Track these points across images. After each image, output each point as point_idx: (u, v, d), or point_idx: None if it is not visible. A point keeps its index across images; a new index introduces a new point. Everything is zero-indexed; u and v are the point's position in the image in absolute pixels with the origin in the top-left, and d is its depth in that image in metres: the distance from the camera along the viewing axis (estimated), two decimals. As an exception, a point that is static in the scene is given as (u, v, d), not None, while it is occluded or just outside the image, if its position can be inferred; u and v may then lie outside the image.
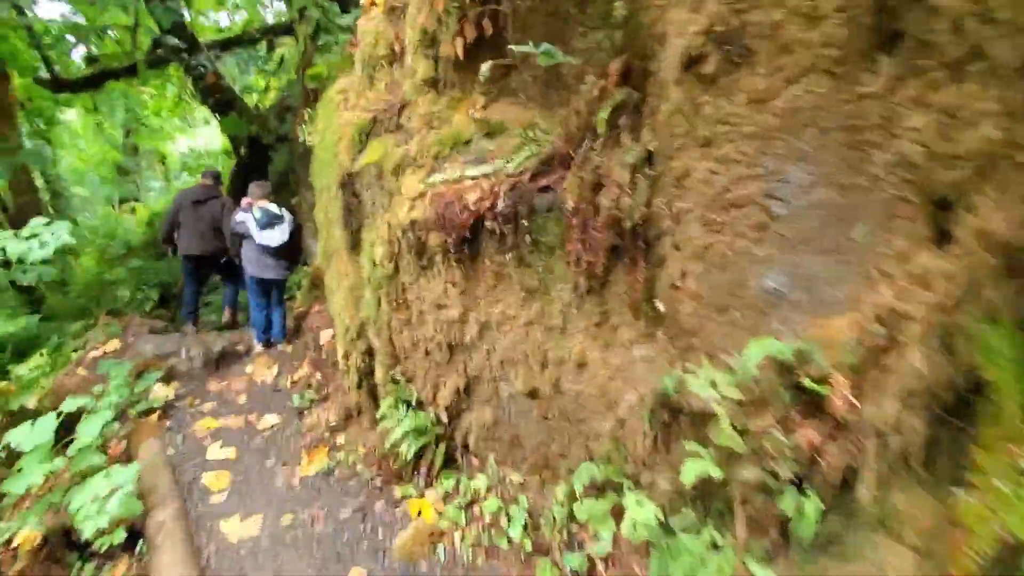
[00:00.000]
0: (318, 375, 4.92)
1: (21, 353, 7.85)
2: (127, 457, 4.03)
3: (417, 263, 3.07)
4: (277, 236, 5.48)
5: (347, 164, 3.51)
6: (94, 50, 13.36)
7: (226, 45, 10.75)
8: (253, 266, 5.65)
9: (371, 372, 3.63)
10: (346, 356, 3.90)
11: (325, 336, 5.38)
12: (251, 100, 10.92)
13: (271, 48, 10.72)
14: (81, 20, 13.35)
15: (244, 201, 5.76)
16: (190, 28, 9.64)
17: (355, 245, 3.69)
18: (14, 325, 4.08)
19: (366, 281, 3.46)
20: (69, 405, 3.45)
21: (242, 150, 9.59)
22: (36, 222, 4.11)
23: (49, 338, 7.73)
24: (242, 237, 5.60)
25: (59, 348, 6.34)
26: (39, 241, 3.95)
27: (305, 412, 4.44)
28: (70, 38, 13.81)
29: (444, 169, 3.01)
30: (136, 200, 19.99)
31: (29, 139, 18.43)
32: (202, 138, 20.29)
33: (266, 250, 5.52)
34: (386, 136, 3.28)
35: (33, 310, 11.56)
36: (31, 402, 4.73)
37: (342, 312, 3.98)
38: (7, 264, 3.86)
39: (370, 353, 3.62)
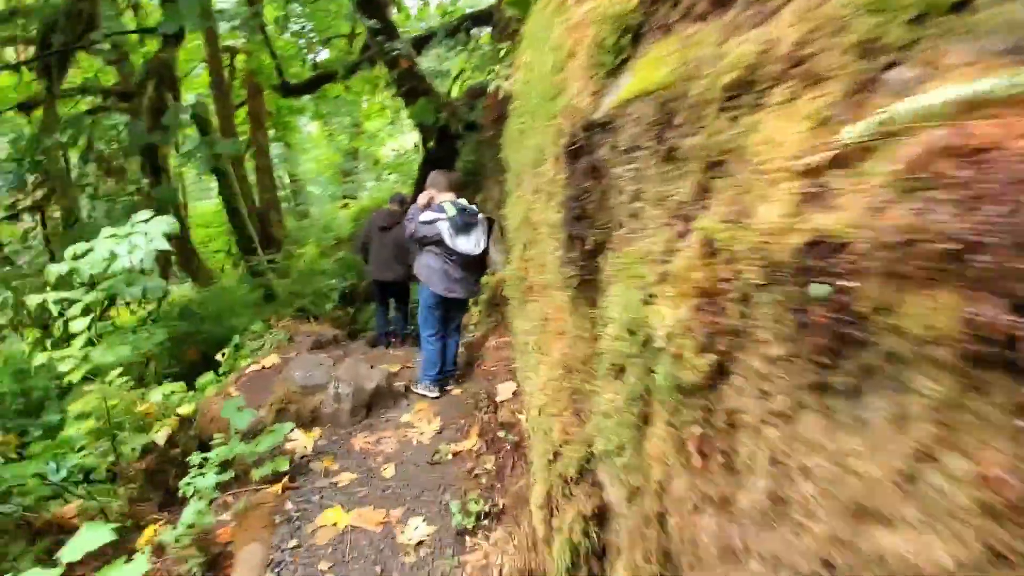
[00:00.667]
0: (490, 461, 3.12)
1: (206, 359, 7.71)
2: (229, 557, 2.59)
3: (816, 366, 0.82)
4: (474, 242, 3.99)
5: (582, 105, 1.56)
6: (321, 57, 13.96)
7: (426, 39, 10.04)
8: (438, 283, 4.04)
9: (596, 554, 1.57)
10: (545, 504, 1.80)
11: (504, 392, 3.66)
12: (446, 88, 10.08)
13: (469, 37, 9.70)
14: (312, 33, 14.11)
15: (422, 198, 4.19)
16: (391, 21, 9.05)
17: (588, 283, 1.60)
18: (114, 354, 3.12)
19: (611, 369, 1.43)
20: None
21: (430, 143, 8.61)
22: (137, 217, 3.19)
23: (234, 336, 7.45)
24: (424, 244, 4.05)
25: (235, 352, 5.73)
26: (129, 244, 2.96)
27: (468, 536, 2.65)
28: (303, 48, 14.70)
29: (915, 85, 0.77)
30: (353, 197, 21.88)
31: (275, 143, 20.95)
32: (408, 140, 21.01)
33: (458, 261, 4.01)
34: (684, 30, 1.29)
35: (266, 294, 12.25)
36: (161, 435, 3.93)
37: (543, 409, 1.87)
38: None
39: (600, 520, 1.55)
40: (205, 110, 14.02)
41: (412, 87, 7.18)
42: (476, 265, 4.23)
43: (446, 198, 4.09)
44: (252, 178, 16.27)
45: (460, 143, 7.27)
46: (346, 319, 7.07)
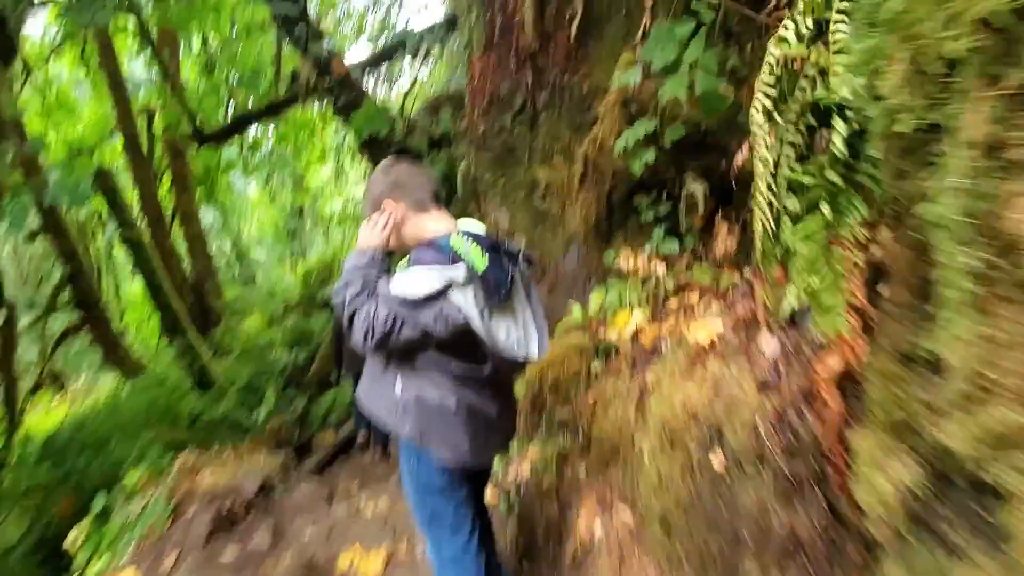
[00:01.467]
0: None
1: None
2: None
3: None
4: (527, 326, 1.74)
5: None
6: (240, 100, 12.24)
7: (381, 58, 8.47)
8: (459, 439, 1.67)
9: None
10: None
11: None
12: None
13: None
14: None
15: (370, 227, 1.71)
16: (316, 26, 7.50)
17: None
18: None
19: None
20: None
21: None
22: None
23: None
24: (406, 350, 1.62)
25: (97, 529, 3.50)
26: None
27: None
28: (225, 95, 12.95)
29: None
30: (302, 256, 20.00)
31: (208, 207, 18.89)
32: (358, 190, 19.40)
33: (496, 378, 1.73)
34: None
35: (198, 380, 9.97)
36: None
37: None
38: None
39: None
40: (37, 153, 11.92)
41: (350, 100, 5.52)
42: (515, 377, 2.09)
43: (443, 225, 1.74)
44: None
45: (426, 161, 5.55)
46: (291, 426, 5.10)
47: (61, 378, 13.88)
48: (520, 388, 3.17)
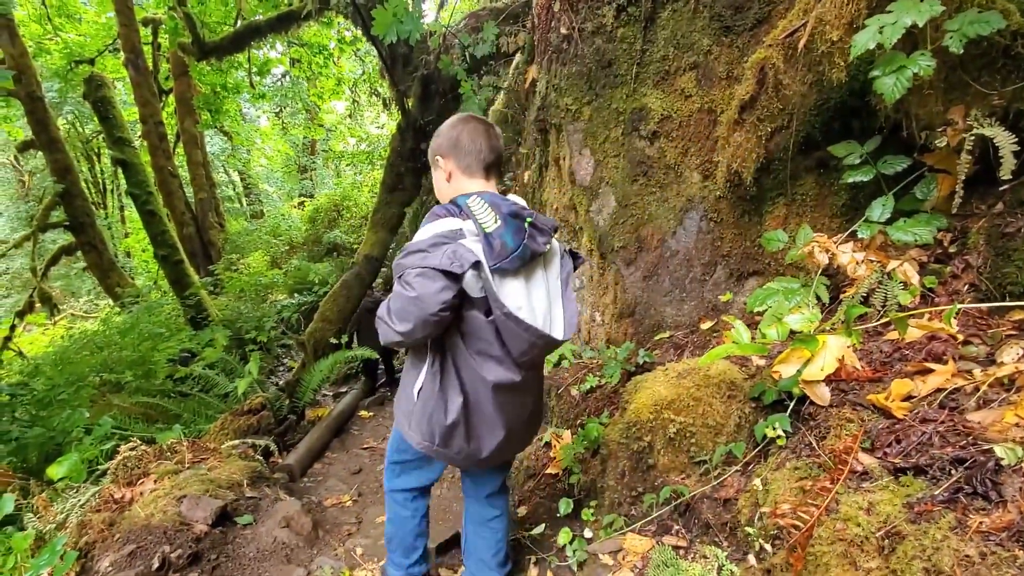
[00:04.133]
0: None
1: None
2: None
3: None
4: (550, 301, 1.39)
5: None
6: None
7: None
8: (458, 434, 1.41)
9: None
10: None
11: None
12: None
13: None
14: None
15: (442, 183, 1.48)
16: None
17: None
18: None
19: None
20: None
21: (409, 102, 5.43)
22: None
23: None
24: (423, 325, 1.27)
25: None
26: None
27: None
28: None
29: None
30: (310, 196, 18.60)
31: (212, 131, 17.33)
32: (374, 127, 17.78)
33: (521, 358, 1.34)
34: None
35: (193, 317, 8.83)
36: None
37: None
38: None
39: None
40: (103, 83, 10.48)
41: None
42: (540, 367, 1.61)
43: (477, 188, 1.42)
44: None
45: (462, 97, 4.16)
46: (273, 406, 3.90)
47: (53, 300, 12.75)
48: (616, 427, 1.94)
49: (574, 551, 1.91)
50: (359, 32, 10.58)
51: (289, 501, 2.80)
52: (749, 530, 1.42)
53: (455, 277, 1.25)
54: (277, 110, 19.25)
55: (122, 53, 10.91)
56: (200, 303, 9.39)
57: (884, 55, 1.50)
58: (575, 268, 1.54)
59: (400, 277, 1.29)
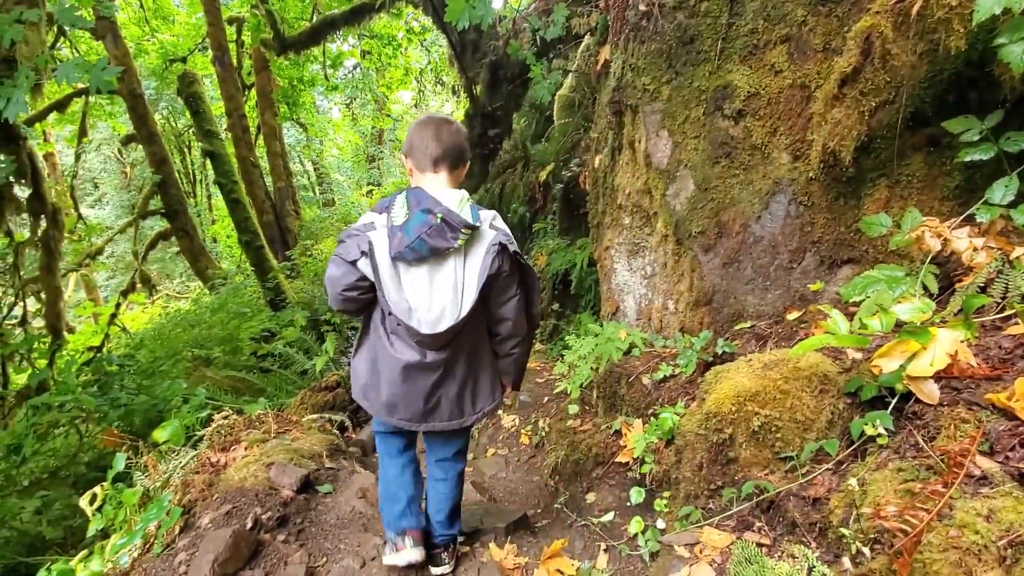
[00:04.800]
0: None
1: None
2: None
3: None
4: (441, 296, 1.50)
5: None
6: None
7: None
8: (374, 392, 1.67)
9: None
10: None
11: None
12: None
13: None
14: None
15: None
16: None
17: None
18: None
19: None
20: None
21: (477, 88, 5.42)
22: None
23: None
24: (355, 300, 1.55)
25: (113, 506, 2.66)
26: None
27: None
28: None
29: None
30: (377, 184, 19.18)
31: (290, 124, 18.17)
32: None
33: (420, 338, 1.52)
34: None
35: (272, 299, 9.41)
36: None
37: None
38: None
39: None
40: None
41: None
42: (468, 354, 1.66)
43: (427, 184, 1.57)
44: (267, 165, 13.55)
45: (531, 81, 4.11)
46: (348, 383, 4.13)
47: (151, 281, 13.88)
48: (694, 418, 1.87)
49: (646, 541, 1.87)
50: (426, 21, 10.71)
51: (364, 473, 2.92)
52: (844, 531, 1.32)
53: (352, 264, 1.49)
54: (348, 101, 19.91)
55: (210, 51, 11.63)
56: (279, 286, 9.91)
57: (1011, 20, 1.33)
58: (521, 276, 1.61)
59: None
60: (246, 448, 2.87)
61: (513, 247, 1.54)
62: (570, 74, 6.20)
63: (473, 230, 1.48)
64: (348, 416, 4.05)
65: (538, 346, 5.85)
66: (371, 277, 1.49)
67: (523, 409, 3.83)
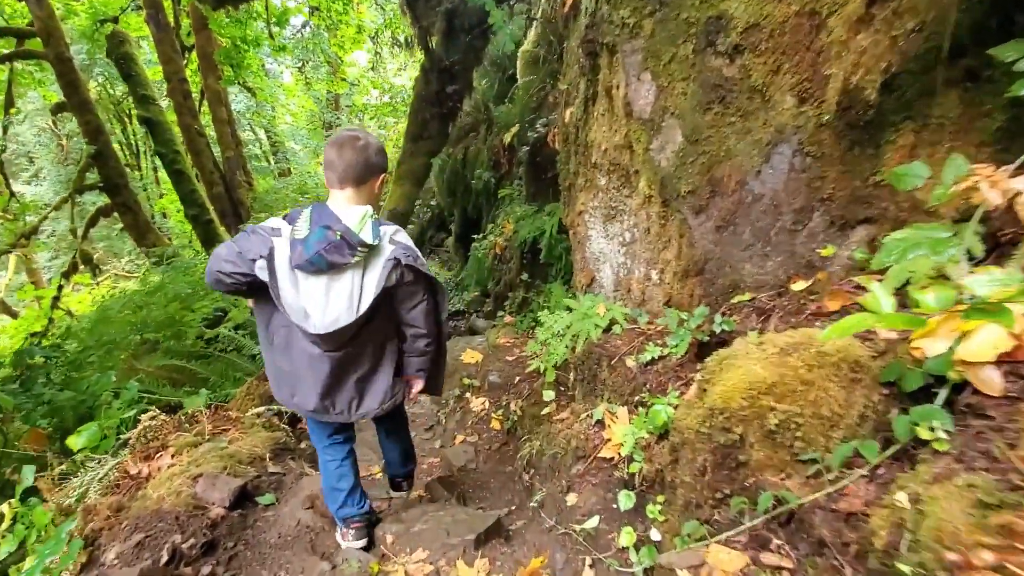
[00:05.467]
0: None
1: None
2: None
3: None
4: (336, 300, 1.58)
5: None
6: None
7: None
8: (277, 384, 1.80)
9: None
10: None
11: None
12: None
13: None
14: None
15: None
16: None
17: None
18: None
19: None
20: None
21: (432, 39, 4.84)
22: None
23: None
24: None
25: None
26: None
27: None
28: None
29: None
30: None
31: (238, 91, 16.87)
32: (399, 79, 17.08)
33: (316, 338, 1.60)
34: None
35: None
36: None
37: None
38: None
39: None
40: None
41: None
42: (370, 354, 1.74)
43: (333, 200, 1.65)
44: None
45: (492, 28, 3.62)
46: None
47: (95, 261, 12.86)
48: (693, 413, 1.55)
49: (640, 558, 1.57)
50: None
51: (314, 476, 2.55)
52: (903, 568, 1.03)
53: (248, 260, 1.54)
54: (299, 64, 18.62)
55: (143, 9, 10.51)
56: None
57: None
58: (427, 287, 1.71)
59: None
60: (174, 455, 2.44)
61: (410, 260, 1.60)
62: (534, 23, 5.68)
63: (370, 248, 1.54)
64: None
65: (507, 319, 5.52)
66: (263, 279, 1.53)
67: (493, 391, 3.50)
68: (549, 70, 6.02)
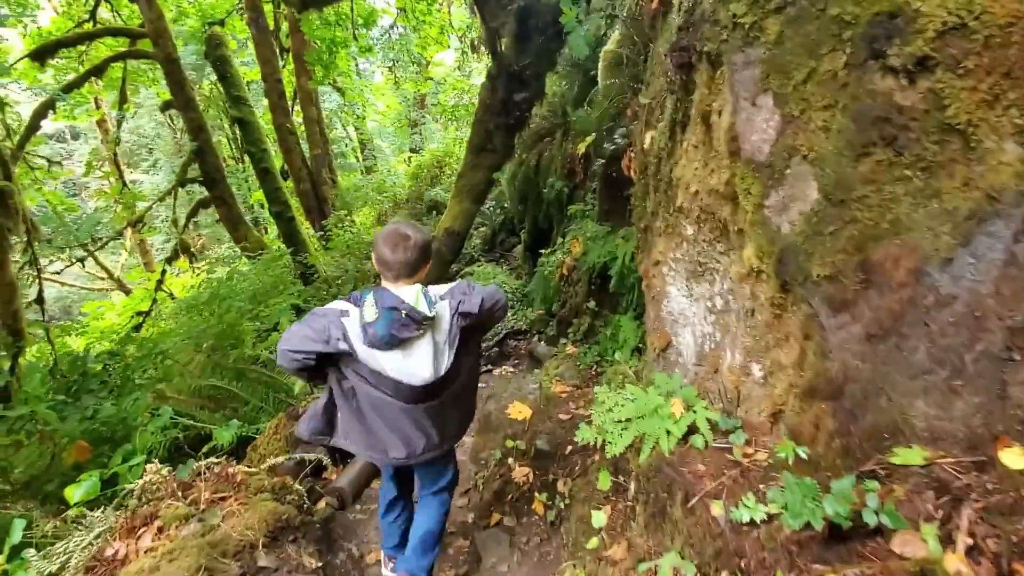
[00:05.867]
0: None
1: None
2: None
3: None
4: (423, 357, 1.68)
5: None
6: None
7: None
8: (358, 438, 1.89)
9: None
10: None
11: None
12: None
13: None
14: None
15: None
16: None
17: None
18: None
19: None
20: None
21: (503, 42, 4.28)
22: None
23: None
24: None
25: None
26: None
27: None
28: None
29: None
30: (417, 151, 18.27)
31: (325, 88, 17.30)
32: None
33: (401, 393, 1.72)
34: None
35: (303, 272, 8.83)
36: None
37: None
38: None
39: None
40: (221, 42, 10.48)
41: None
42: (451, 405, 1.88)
43: (389, 286, 1.76)
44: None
45: (565, 29, 3.01)
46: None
47: (192, 249, 13.62)
48: None
49: None
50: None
51: (314, 570, 2.10)
52: None
53: (309, 338, 1.67)
54: (390, 64, 18.84)
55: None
56: (308, 260, 9.38)
57: None
58: (468, 321, 1.78)
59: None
60: (159, 530, 2.09)
61: (464, 307, 1.77)
62: (617, 22, 4.97)
63: (430, 320, 1.69)
64: (328, 454, 3.26)
65: (569, 348, 4.91)
66: (344, 349, 1.67)
67: (540, 459, 2.93)
68: (632, 74, 5.29)
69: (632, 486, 1.92)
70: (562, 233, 6.79)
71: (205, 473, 2.46)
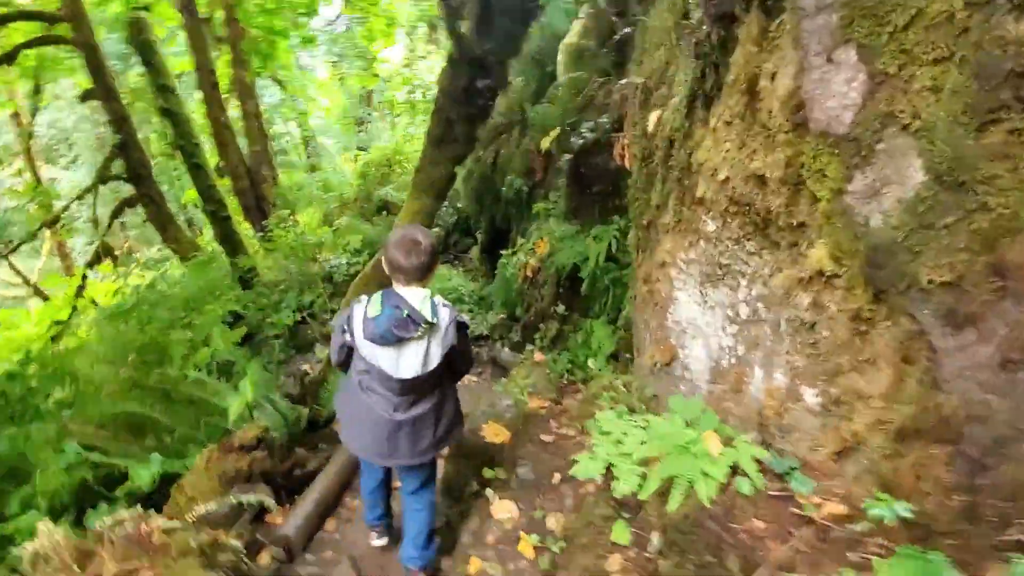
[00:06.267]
0: None
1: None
2: None
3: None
4: (408, 365, 1.79)
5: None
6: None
7: None
8: (356, 435, 1.99)
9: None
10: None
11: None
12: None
13: None
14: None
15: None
16: None
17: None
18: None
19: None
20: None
21: (459, 23, 3.80)
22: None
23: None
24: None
25: None
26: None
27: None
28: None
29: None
30: (365, 149, 17.47)
31: (269, 84, 16.19)
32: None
33: (395, 389, 1.85)
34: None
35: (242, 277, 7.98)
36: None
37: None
38: None
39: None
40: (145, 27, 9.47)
41: None
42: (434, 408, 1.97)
43: (398, 287, 1.85)
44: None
45: (533, 17, 2.59)
46: (281, 435, 2.69)
47: (113, 251, 12.26)
48: None
49: None
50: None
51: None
52: None
53: (340, 330, 1.86)
54: (334, 59, 17.90)
55: (176, -3, 9.87)
56: (246, 263, 8.58)
57: None
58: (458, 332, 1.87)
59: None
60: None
61: (457, 312, 1.91)
62: (579, 17, 4.62)
63: (431, 325, 1.77)
64: (279, 479, 2.71)
65: (536, 355, 4.52)
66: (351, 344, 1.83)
67: (524, 490, 2.51)
68: (597, 66, 4.97)
69: (655, 539, 1.54)
70: (523, 233, 6.40)
71: (110, 536, 1.87)
